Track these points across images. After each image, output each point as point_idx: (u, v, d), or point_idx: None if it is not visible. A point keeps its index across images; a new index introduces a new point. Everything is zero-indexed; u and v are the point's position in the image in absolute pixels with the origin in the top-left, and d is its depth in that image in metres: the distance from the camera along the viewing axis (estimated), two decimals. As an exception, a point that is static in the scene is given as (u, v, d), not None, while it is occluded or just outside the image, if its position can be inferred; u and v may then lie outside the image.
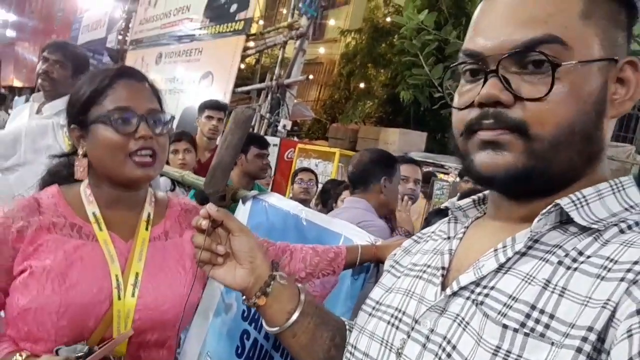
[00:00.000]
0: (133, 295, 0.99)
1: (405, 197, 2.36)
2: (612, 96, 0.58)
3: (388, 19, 9.41)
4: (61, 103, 2.26)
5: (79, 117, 1.04)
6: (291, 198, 3.89)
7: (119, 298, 0.97)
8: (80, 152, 1.06)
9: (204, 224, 0.77)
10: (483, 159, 0.58)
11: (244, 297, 0.79)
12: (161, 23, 8.75)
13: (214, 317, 1.75)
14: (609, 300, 0.48)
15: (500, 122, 0.56)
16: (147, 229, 1.07)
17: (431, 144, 7.87)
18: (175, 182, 2.57)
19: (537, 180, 0.58)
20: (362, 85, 10.22)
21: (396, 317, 0.66)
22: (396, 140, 8.28)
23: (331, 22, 12.46)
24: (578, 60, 0.55)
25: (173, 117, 1.10)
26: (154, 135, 1.02)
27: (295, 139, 8.49)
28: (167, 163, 2.95)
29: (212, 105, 3.45)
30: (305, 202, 3.84)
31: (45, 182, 1.11)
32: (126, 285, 0.99)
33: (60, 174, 1.11)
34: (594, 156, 0.59)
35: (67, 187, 1.07)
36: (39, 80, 2.28)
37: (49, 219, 0.98)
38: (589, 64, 0.56)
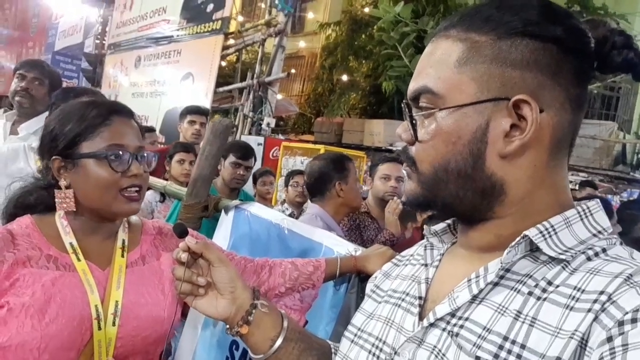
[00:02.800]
0: (114, 324, 0.99)
1: (395, 199, 2.37)
2: (506, 133, 0.58)
3: (366, 10, 9.40)
4: (37, 122, 2.24)
5: (66, 150, 1.04)
6: (284, 201, 3.89)
7: (100, 328, 0.97)
8: (62, 183, 1.05)
9: (184, 256, 0.78)
10: (405, 185, 0.68)
11: (227, 326, 0.80)
12: (138, 26, 8.65)
13: (203, 328, 1.76)
14: (576, 330, 0.50)
15: (405, 157, 0.65)
16: (123, 255, 1.07)
17: (416, 133, 7.88)
18: (165, 193, 2.56)
19: (432, 208, 0.65)
20: (344, 77, 10.21)
21: (377, 347, 0.67)
22: (381, 131, 8.31)
23: (310, 15, 12.40)
24: (440, 107, 0.60)
25: (157, 155, 1.13)
26: (143, 173, 1.06)
27: (280, 135, 8.48)
28: (169, 172, 2.95)
29: (194, 110, 3.47)
30: (300, 206, 3.82)
31: (10, 213, 1.09)
32: (106, 315, 0.99)
33: (26, 203, 1.09)
34: (491, 193, 0.60)
35: (40, 217, 1.06)
36: (17, 98, 2.25)
37: (24, 252, 0.97)
38: (460, 108, 0.59)
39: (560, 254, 0.56)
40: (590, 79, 0.62)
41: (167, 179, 2.79)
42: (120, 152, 1.03)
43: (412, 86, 0.64)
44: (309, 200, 2.21)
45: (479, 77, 0.59)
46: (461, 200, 0.61)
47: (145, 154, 1.08)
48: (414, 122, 0.63)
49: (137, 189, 1.05)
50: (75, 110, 1.06)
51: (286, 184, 3.86)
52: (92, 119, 1.03)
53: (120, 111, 1.08)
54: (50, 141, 1.06)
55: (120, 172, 1.02)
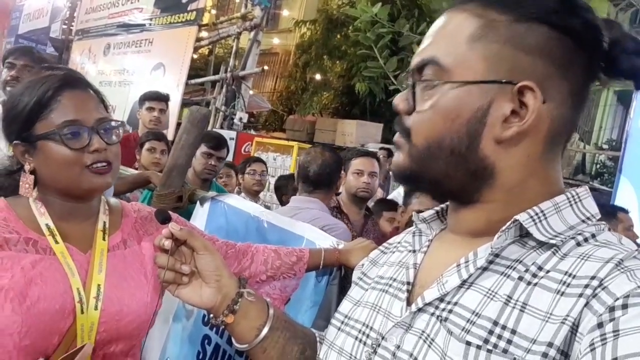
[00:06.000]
0: (96, 308, 0.95)
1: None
2: (505, 118, 0.57)
3: (342, 10, 9.42)
4: None
5: (23, 133, 0.98)
6: (241, 189, 3.77)
7: (82, 312, 0.94)
8: (27, 167, 1.00)
9: (167, 244, 0.75)
10: (393, 157, 0.66)
11: (212, 315, 0.78)
12: (109, 12, 8.43)
13: (174, 322, 1.71)
14: (567, 316, 0.50)
15: (400, 127, 0.64)
16: (104, 239, 1.03)
17: (387, 134, 7.98)
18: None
19: (419, 183, 0.65)
20: (318, 76, 10.20)
21: (363, 333, 0.66)
22: (353, 131, 8.34)
23: (285, 13, 12.34)
24: (445, 81, 0.59)
25: (123, 123, 1.07)
26: (108, 146, 0.99)
27: (252, 131, 8.41)
28: (139, 161, 2.85)
29: (152, 97, 3.33)
30: (257, 194, 3.71)
31: None
32: (88, 298, 0.95)
33: (2, 187, 1.04)
34: (482, 176, 0.60)
35: (15, 200, 1.01)
36: (8, 88, 2.16)
37: (1, 235, 0.93)
38: (465, 85, 0.58)
39: (550, 238, 0.56)
40: (596, 79, 0.62)
41: (137, 169, 2.71)
42: (76, 129, 0.96)
43: (420, 55, 0.62)
44: (304, 195, 2.10)
45: (491, 56, 0.58)
46: (450, 179, 0.61)
47: (109, 126, 1.01)
48: (414, 92, 0.61)
49: (104, 164, 0.98)
50: (25, 90, 0.99)
51: (242, 172, 3.67)
52: (41, 97, 0.96)
53: (72, 83, 1.00)
54: (8, 126, 1.00)
55: (80, 149, 0.96)
